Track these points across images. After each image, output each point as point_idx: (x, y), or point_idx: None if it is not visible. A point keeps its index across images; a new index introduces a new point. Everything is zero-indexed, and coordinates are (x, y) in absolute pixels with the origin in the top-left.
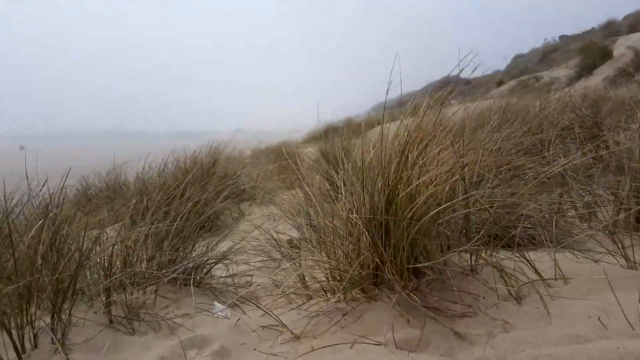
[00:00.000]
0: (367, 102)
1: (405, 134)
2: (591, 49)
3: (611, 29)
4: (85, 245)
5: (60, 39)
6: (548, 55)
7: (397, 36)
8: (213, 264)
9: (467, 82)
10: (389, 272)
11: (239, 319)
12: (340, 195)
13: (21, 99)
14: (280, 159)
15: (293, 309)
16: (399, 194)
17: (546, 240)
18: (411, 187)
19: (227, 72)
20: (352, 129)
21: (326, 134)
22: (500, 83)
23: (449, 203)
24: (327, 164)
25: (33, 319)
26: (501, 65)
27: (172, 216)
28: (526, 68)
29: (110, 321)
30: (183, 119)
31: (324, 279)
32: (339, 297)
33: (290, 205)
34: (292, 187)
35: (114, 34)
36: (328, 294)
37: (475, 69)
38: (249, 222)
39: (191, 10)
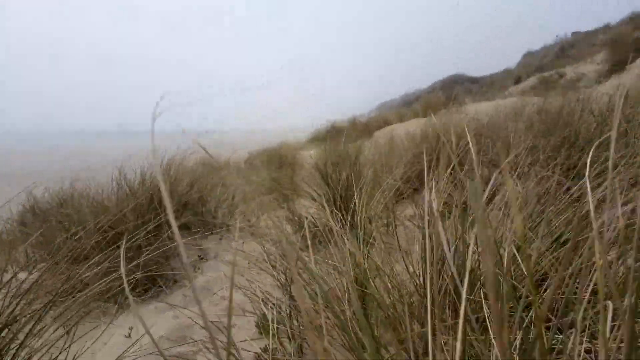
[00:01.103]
0: (371, 101)
1: None
2: (622, 43)
3: (637, 22)
4: None
5: (65, 38)
6: (566, 51)
7: (402, 34)
8: None
9: (475, 80)
10: None
11: None
12: None
13: (26, 97)
14: (275, 165)
15: None
16: None
17: None
18: None
19: (226, 73)
20: (357, 129)
21: (329, 134)
22: (518, 80)
23: None
24: (327, 187)
25: None
26: (510, 63)
27: None
28: (541, 65)
29: None
30: (187, 118)
31: None
32: None
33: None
34: (287, 202)
35: (117, 33)
36: None
37: (483, 67)
38: (210, 271)
39: (185, 11)
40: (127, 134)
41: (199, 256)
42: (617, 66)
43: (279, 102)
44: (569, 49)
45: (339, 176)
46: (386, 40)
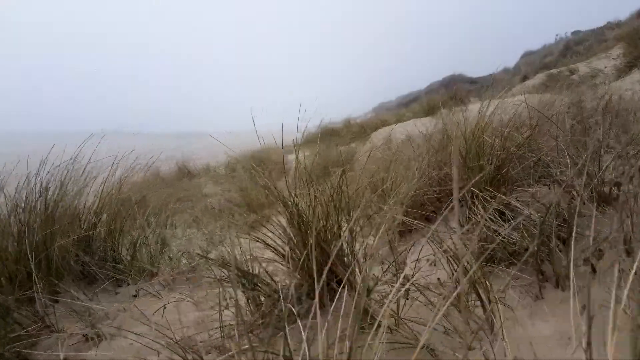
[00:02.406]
0: (367, 103)
1: None
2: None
3: None
4: None
5: (67, 36)
6: (572, 48)
7: (398, 35)
8: None
9: (474, 80)
10: None
11: None
12: None
13: (29, 96)
14: (255, 170)
15: None
16: None
17: None
18: None
19: (222, 73)
20: (352, 130)
21: (321, 136)
22: (524, 78)
23: None
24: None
25: None
26: (509, 63)
27: None
28: (545, 63)
29: None
30: (182, 119)
31: None
32: None
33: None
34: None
35: (114, 35)
36: None
37: (481, 67)
38: None
39: (183, 11)
40: (127, 135)
41: (86, 335)
42: (639, 60)
43: (271, 101)
44: (575, 46)
45: (315, 214)
46: (385, 41)
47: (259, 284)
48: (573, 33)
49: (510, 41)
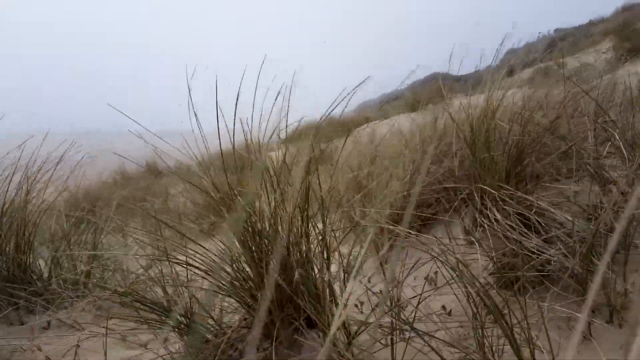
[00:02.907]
0: (352, 100)
1: None
2: (633, 30)
3: (635, 11)
4: None
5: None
6: (555, 44)
7: (382, 34)
8: None
9: (457, 78)
10: None
11: None
12: None
13: (28, 96)
14: (230, 170)
15: None
16: None
17: None
18: None
19: (222, 73)
20: (334, 127)
21: (301, 134)
22: (510, 73)
23: None
24: None
25: None
26: (492, 61)
27: None
28: (529, 60)
29: None
30: (182, 118)
31: None
32: None
33: None
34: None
35: (113, 33)
36: None
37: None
38: None
39: (183, 11)
40: (125, 134)
41: None
42: (631, 54)
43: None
44: (559, 42)
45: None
46: (369, 39)
47: (199, 326)
48: (556, 31)
49: (496, 39)
